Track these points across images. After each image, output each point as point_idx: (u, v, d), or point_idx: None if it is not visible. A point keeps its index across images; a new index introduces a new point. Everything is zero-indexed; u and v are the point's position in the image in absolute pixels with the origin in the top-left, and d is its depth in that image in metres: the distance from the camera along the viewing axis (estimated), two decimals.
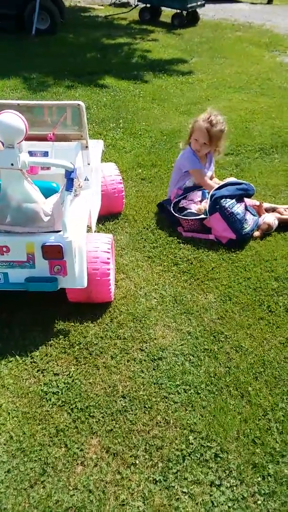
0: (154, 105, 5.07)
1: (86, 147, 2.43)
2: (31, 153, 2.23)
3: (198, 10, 9.18)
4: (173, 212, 2.90)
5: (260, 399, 1.83)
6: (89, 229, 2.32)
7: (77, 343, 2.06)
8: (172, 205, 2.93)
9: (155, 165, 3.74)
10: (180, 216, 2.87)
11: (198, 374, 1.93)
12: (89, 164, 2.49)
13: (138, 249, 2.73)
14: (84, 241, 2.10)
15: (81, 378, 1.90)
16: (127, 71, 6.20)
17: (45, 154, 2.33)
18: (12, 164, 1.89)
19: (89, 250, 2.16)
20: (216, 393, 1.85)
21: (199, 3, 8.98)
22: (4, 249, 2.00)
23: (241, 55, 7.16)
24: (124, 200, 3.05)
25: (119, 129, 4.41)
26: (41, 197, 2.07)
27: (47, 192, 2.23)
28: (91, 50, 7.09)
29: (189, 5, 8.68)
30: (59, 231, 2.02)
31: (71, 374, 1.92)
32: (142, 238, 2.82)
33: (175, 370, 1.95)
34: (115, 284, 2.42)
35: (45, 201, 2.10)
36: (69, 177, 1.99)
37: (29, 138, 1.93)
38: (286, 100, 5.28)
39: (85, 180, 2.44)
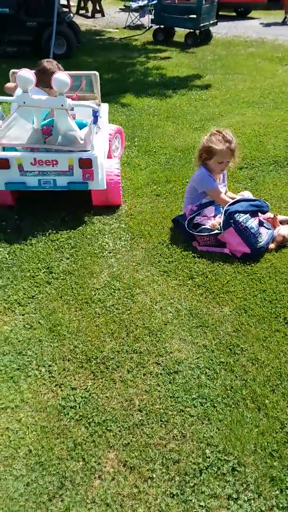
0: (168, 123, 5.16)
1: (99, 104, 3.51)
2: None
3: (210, 28, 9.35)
4: (187, 229, 2.93)
5: (277, 412, 1.82)
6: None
7: (94, 357, 2.10)
8: (186, 221, 2.96)
9: (169, 181, 3.79)
10: (195, 233, 2.90)
11: (214, 387, 1.94)
12: (100, 117, 3.32)
13: (154, 264, 2.77)
14: (104, 160, 3.20)
15: (98, 392, 1.93)
16: (142, 90, 6.34)
17: (72, 108, 3.19)
18: (62, 105, 2.92)
19: (106, 169, 3.18)
20: (233, 406, 1.85)
21: (211, 22, 9.16)
22: (54, 162, 3.04)
23: (254, 70, 7.23)
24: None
25: (134, 147, 4.50)
26: (78, 128, 3.08)
27: (80, 126, 3.19)
28: (107, 71, 7.28)
29: (201, 24, 8.85)
30: (89, 150, 3.05)
31: (88, 388, 1.95)
32: (158, 253, 2.86)
33: (191, 383, 1.96)
34: (132, 299, 2.46)
35: (80, 131, 3.09)
36: (95, 115, 3.00)
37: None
38: None
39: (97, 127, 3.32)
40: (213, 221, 2.94)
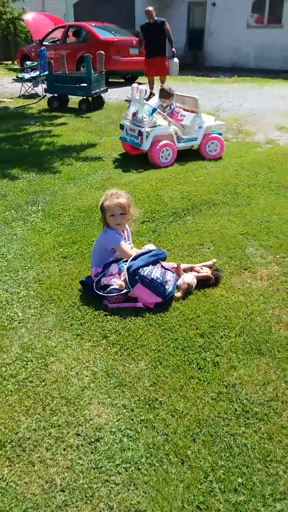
0: (70, 185, 5.29)
1: (198, 116, 6.01)
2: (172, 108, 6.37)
3: (102, 95, 9.97)
4: (96, 291, 2.95)
5: (200, 461, 1.83)
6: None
7: (8, 441, 1.96)
8: (94, 284, 2.99)
9: (75, 242, 3.84)
10: (104, 294, 2.93)
11: (137, 448, 1.90)
12: (198, 125, 6.03)
13: (66, 328, 2.73)
14: (152, 135, 5.72)
15: (16, 479, 1.80)
16: (40, 156, 6.48)
17: (183, 115, 6.25)
18: (139, 99, 5.85)
19: (157, 142, 5.79)
20: (157, 465, 1.83)
21: (102, 89, 9.79)
22: (133, 130, 5.87)
23: None
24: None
25: (38, 212, 4.53)
26: (147, 115, 5.81)
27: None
28: (3, 140, 7.36)
29: (93, 92, 9.42)
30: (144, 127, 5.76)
31: (4, 477, 1.81)
32: (69, 317, 2.83)
33: (113, 449, 1.91)
34: (45, 369, 2.38)
35: (147, 117, 5.81)
36: (152, 110, 5.74)
37: (184, 109, 6.30)
38: (191, 166, 5.76)
39: (195, 131, 6.06)
40: (119, 281, 2.98)
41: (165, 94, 6.24)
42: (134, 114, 5.95)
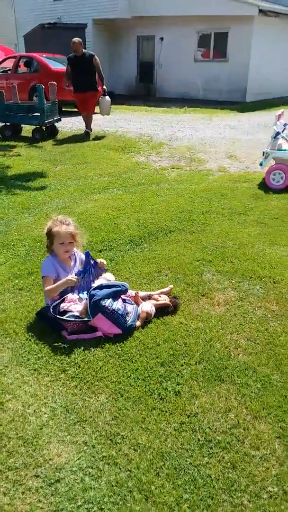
0: (25, 215, 5.21)
1: None
2: None
3: (56, 124, 10.01)
4: (54, 315, 2.89)
5: (165, 496, 1.79)
6: None
7: None
8: (51, 308, 2.93)
9: (31, 273, 3.76)
10: (64, 318, 2.87)
11: (100, 487, 1.84)
12: None
13: (22, 363, 2.63)
14: (270, 157, 6.11)
15: None
16: None
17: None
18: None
19: (276, 164, 6.11)
20: (120, 503, 1.77)
21: (55, 118, 9.84)
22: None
23: (101, 159, 7.87)
24: None
25: None
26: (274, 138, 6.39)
27: None
28: None
29: (46, 121, 9.44)
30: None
31: None
32: (26, 351, 2.74)
33: (75, 489, 1.84)
34: (1, 408, 2.28)
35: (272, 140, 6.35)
36: (276, 133, 6.09)
37: None
38: (146, 194, 5.86)
39: None
40: (79, 307, 2.94)
41: None
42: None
